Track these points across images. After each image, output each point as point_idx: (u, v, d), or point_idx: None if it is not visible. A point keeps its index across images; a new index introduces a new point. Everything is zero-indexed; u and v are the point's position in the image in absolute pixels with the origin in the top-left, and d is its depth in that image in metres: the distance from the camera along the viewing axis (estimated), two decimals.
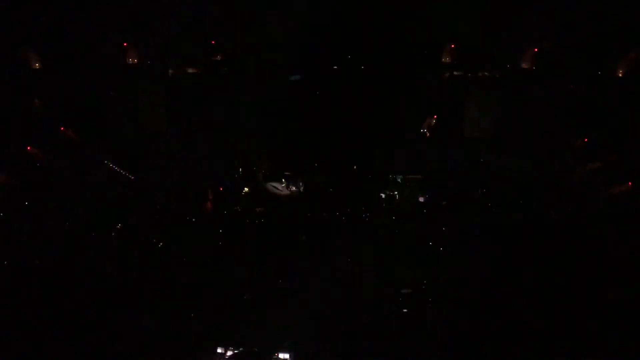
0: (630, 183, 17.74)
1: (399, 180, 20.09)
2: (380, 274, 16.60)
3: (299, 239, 17.97)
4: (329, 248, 17.28)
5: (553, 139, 19.46)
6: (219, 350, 13.35)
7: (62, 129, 19.60)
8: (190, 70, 20.64)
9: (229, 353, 13.31)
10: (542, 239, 17.47)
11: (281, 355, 13.31)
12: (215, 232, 18.13)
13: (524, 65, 19.52)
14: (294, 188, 20.07)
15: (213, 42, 20.31)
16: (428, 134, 20.29)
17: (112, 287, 15.32)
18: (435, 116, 20.19)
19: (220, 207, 19.32)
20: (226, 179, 20.26)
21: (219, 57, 20.61)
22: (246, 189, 20.03)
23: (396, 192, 19.92)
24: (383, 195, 19.84)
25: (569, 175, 19.16)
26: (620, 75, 18.95)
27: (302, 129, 20.20)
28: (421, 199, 19.62)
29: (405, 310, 15.69)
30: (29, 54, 19.63)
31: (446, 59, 19.77)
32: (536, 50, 19.28)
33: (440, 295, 15.66)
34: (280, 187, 20.06)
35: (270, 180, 20.34)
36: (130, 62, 20.08)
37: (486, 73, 19.94)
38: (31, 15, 18.94)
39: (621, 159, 18.39)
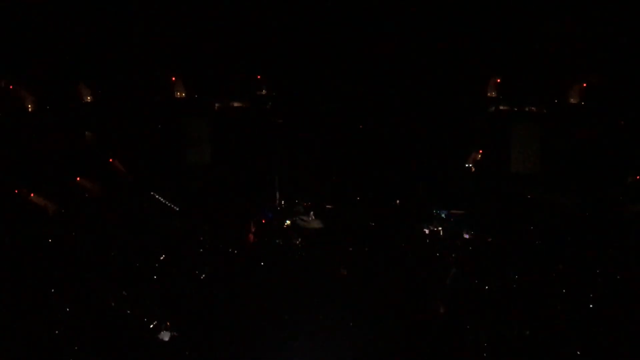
0: None
1: (443, 215, 19.79)
2: (422, 309, 16.21)
3: (339, 273, 17.74)
4: (370, 282, 17.01)
5: (602, 175, 18.97)
6: None
7: (110, 160, 20.04)
8: (235, 104, 20.99)
9: None
10: (592, 278, 16.88)
11: None
12: (256, 264, 18.08)
13: (572, 100, 19.22)
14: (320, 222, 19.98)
15: (259, 77, 20.67)
16: (473, 169, 20.04)
17: (155, 318, 15.37)
18: (480, 151, 19.95)
19: (262, 240, 19.32)
20: (268, 211, 20.32)
21: (263, 92, 20.93)
22: (288, 222, 20.04)
23: (440, 228, 19.58)
24: (427, 231, 19.52)
25: (620, 212, 18.57)
26: None
27: (346, 162, 20.23)
28: (466, 235, 19.22)
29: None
30: (80, 88, 20.31)
31: (492, 93, 19.63)
32: (585, 85, 18.98)
33: (487, 333, 15.17)
34: (308, 220, 20.01)
35: (305, 213, 20.34)
36: (178, 96, 20.56)
37: (533, 108, 19.68)
38: (83, 50, 19.65)
39: None
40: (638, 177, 18.54)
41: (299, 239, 19.36)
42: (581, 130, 19.37)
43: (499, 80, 19.46)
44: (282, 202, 20.63)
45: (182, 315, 15.47)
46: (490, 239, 18.92)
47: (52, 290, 16.23)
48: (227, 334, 14.91)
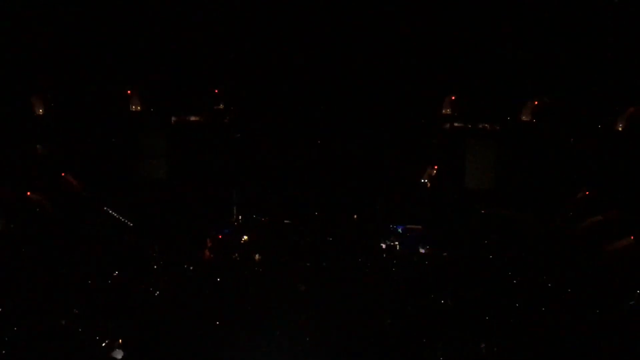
0: (632, 237, 17.60)
1: (400, 230, 19.99)
2: (380, 325, 16.29)
3: (297, 289, 17.71)
4: (328, 298, 17.02)
5: (554, 191, 19.47)
6: None
7: (62, 174, 19.60)
8: (192, 118, 20.81)
9: None
10: (544, 291, 17.26)
11: None
12: (213, 280, 17.89)
13: (524, 118, 19.71)
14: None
15: (216, 91, 20.56)
16: (429, 185, 20.32)
17: (107, 336, 15.05)
18: (435, 167, 20.26)
19: (219, 256, 19.13)
20: (225, 227, 20.15)
21: (221, 106, 20.82)
22: (245, 237, 19.91)
23: (397, 243, 19.76)
24: (384, 246, 19.66)
25: (571, 228, 19.05)
26: (620, 129, 19.12)
27: (303, 177, 20.28)
28: (422, 250, 19.44)
29: None
30: (33, 100, 19.83)
31: (446, 111, 19.99)
32: (536, 103, 19.50)
33: (443, 348, 15.33)
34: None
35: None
36: (134, 109, 20.26)
37: (486, 125, 20.11)
38: (35, 61, 19.24)
39: (623, 213, 18.32)
40: (587, 193, 19.05)
41: (257, 255, 19.26)
42: (533, 147, 19.86)
43: (453, 98, 19.82)
44: (240, 217, 20.47)
45: (136, 333, 15.21)
46: (446, 254, 19.17)
47: (0, 309, 15.76)
48: (182, 352, 14.72)
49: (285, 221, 20.31)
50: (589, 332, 15.33)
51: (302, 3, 19.18)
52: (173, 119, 20.75)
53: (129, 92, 20.22)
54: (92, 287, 16.98)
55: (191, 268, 18.34)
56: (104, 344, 14.93)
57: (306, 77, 19.92)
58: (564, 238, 18.89)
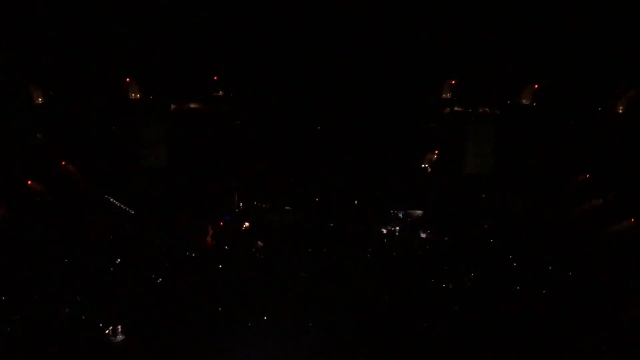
0: (632, 219, 17.62)
1: (401, 215, 20.01)
2: (382, 309, 16.37)
3: (298, 275, 17.78)
4: (328, 283, 17.08)
5: (554, 175, 19.48)
6: None
7: (63, 163, 19.59)
8: (192, 106, 20.76)
9: None
10: (544, 274, 17.32)
11: None
12: (215, 267, 17.95)
13: (524, 102, 19.66)
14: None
15: (215, 77, 20.50)
16: (429, 169, 20.31)
17: (111, 322, 15.14)
18: (436, 152, 20.24)
19: (221, 242, 19.17)
20: (226, 214, 20.18)
21: (220, 93, 20.77)
22: (246, 224, 19.94)
23: (397, 228, 19.78)
24: (384, 231, 19.69)
25: (570, 211, 19.07)
26: (620, 112, 19.10)
27: (304, 163, 20.28)
28: (423, 235, 19.47)
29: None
30: (32, 89, 19.78)
31: (447, 95, 19.93)
32: (536, 87, 19.45)
33: (443, 333, 15.41)
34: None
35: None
36: (133, 97, 20.22)
37: (486, 109, 20.06)
38: (35, 51, 19.17)
39: (622, 196, 18.33)
40: (588, 176, 19.05)
41: (259, 242, 19.29)
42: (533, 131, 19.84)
43: (453, 82, 19.76)
44: (241, 204, 20.49)
45: (138, 319, 15.29)
46: (446, 238, 19.21)
47: (2, 297, 15.80)
48: (183, 337, 14.81)
49: (286, 207, 20.33)
50: (589, 313, 15.43)
51: None
52: (172, 106, 20.70)
53: (128, 80, 20.16)
54: (95, 274, 17.03)
55: (193, 255, 18.40)
56: (107, 331, 15.04)
57: (305, 63, 19.87)
58: (564, 221, 18.93)
